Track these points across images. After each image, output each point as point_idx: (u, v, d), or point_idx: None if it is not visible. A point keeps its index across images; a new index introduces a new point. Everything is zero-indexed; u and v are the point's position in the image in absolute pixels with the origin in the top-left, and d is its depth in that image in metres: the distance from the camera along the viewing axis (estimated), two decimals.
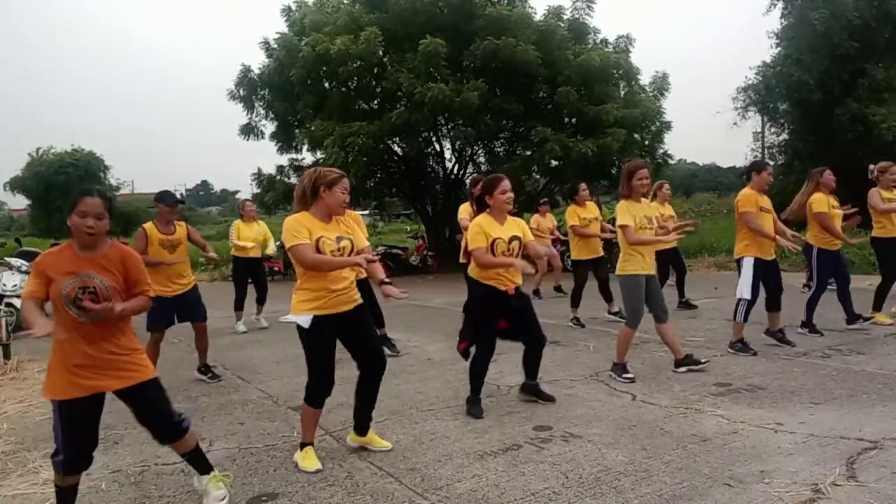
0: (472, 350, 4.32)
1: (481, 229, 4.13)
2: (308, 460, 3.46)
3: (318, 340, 3.40)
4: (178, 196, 5.72)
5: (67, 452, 2.68)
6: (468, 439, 3.79)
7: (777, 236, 5.56)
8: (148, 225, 5.32)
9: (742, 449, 3.44)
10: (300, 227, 3.35)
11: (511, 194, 4.22)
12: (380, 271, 3.58)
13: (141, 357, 2.87)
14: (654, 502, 2.88)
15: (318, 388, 3.45)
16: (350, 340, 3.55)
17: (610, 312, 7.76)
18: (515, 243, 4.19)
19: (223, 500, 3.01)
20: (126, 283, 2.79)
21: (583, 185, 7.85)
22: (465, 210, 6.48)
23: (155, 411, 2.87)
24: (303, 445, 3.53)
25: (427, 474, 3.30)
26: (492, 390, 4.72)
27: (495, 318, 4.24)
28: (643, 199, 5.10)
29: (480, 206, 4.33)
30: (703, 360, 5.13)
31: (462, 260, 6.37)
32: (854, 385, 4.55)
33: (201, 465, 3.07)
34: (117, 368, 2.74)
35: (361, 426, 3.70)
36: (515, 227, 4.28)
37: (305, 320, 3.37)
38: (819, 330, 6.22)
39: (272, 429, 4.18)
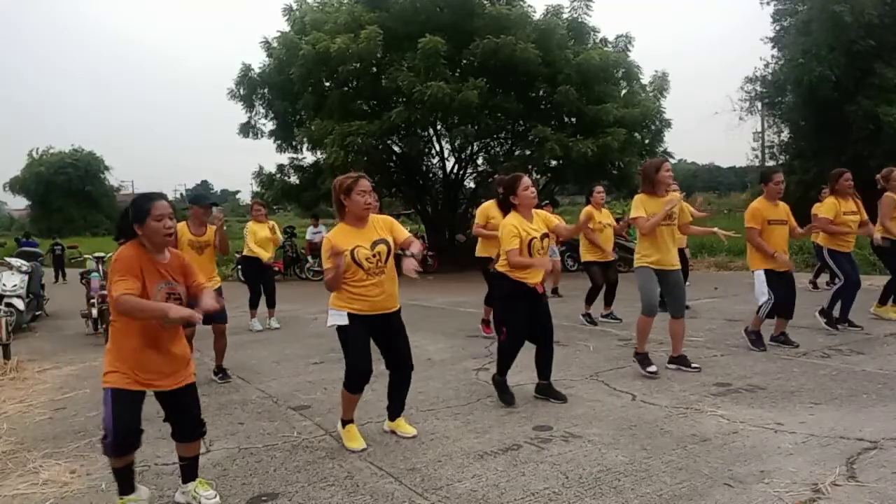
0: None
1: (516, 230, 4.23)
2: (352, 440, 3.67)
3: (352, 333, 3.58)
4: (211, 197, 5.85)
5: (117, 436, 2.79)
6: (468, 439, 3.79)
7: (777, 254, 5.50)
8: (181, 225, 5.38)
9: (742, 449, 3.44)
10: (328, 247, 3.50)
11: (533, 188, 4.36)
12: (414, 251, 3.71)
13: (189, 359, 3.07)
14: (654, 502, 2.88)
15: (354, 377, 3.63)
16: (381, 343, 3.75)
17: (602, 315, 7.79)
18: (546, 241, 4.37)
19: (214, 498, 3.06)
20: (188, 285, 2.98)
21: (598, 188, 7.85)
22: (490, 207, 6.44)
23: (192, 411, 3.05)
24: (344, 423, 3.73)
25: (427, 474, 3.30)
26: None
27: (525, 313, 4.36)
28: (668, 193, 5.13)
29: (506, 208, 4.44)
30: (694, 365, 5.16)
31: (479, 254, 6.39)
32: (854, 385, 4.54)
33: (192, 472, 3.13)
34: (174, 371, 2.92)
35: (391, 413, 3.95)
36: (541, 223, 4.42)
37: (342, 318, 3.57)
38: (836, 326, 6.25)
39: (272, 429, 4.18)
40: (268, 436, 4.04)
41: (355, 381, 3.64)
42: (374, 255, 3.55)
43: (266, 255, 8.08)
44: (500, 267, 4.41)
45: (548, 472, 3.26)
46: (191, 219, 5.45)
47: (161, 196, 2.88)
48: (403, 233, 3.75)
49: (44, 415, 4.79)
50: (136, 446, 2.90)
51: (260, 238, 8.13)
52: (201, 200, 5.53)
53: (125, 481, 2.94)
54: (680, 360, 5.20)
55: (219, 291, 5.47)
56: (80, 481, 3.41)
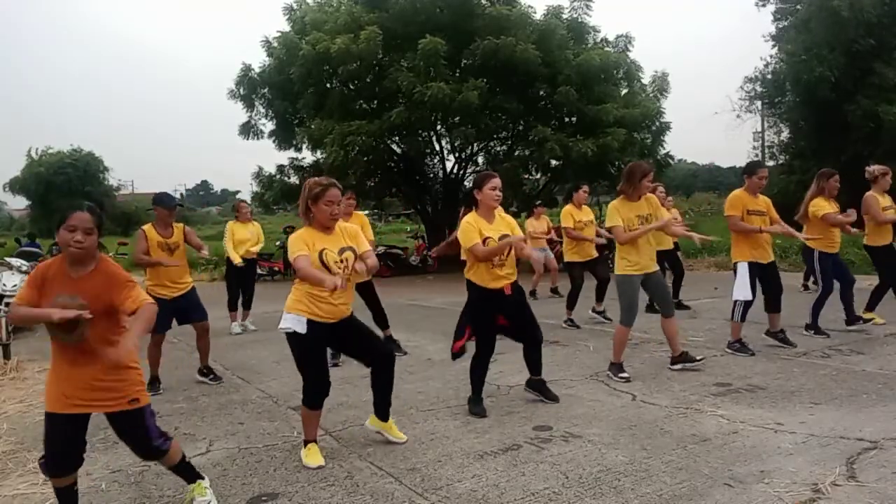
0: (467, 348, 4.36)
1: (473, 227, 4.15)
2: (311, 457, 3.50)
3: (310, 344, 3.46)
4: (177, 197, 5.75)
5: (48, 457, 2.77)
6: (468, 439, 3.79)
7: (764, 228, 5.52)
8: (147, 227, 5.32)
9: (742, 449, 3.44)
10: (300, 242, 3.44)
11: (499, 192, 4.22)
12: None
13: (130, 379, 2.80)
14: (654, 502, 2.88)
15: (314, 391, 3.51)
16: (348, 347, 3.67)
17: (594, 311, 7.77)
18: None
19: None
20: (111, 306, 2.70)
21: (585, 188, 7.81)
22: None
23: (133, 436, 2.89)
24: (306, 443, 3.59)
25: (427, 474, 3.30)
26: (492, 390, 4.71)
27: (494, 318, 4.24)
28: (644, 199, 5.06)
29: (469, 204, 4.32)
30: (698, 358, 5.16)
31: (464, 257, 6.38)
32: (854, 385, 4.54)
33: (188, 475, 3.08)
34: (102, 391, 2.74)
35: (380, 413, 3.80)
36: (504, 225, 4.26)
37: (301, 324, 3.42)
38: (825, 331, 6.19)
39: (272, 429, 4.18)
40: (268, 436, 4.04)
41: (315, 394, 3.49)
42: (341, 261, 3.46)
43: (237, 258, 7.89)
44: (468, 274, 4.26)
45: (548, 472, 3.26)
46: (156, 220, 5.34)
47: (82, 206, 2.69)
48: (365, 244, 3.67)
49: (43, 415, 4.78)
50: (71, 469, 2.82)
51: (239, 238, 8.04)
52: (166, 201, 5.39)
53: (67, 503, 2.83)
54: (682, 358, 5.18)
55: (192, 292, 5.40)
56: (80, 481, 3.38)
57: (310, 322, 3.43)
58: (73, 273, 2.70)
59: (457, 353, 4.37)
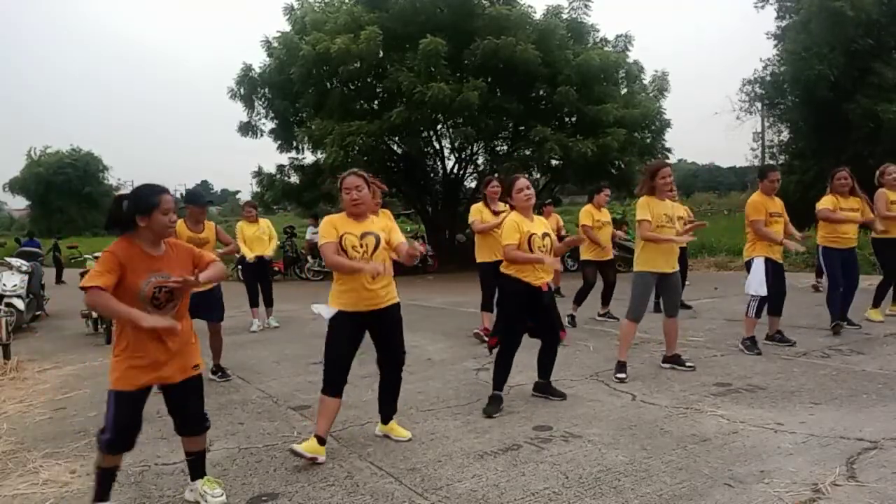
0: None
1: (516, 226, 4.27)
2: (311, 448, 3.47)
3: (339, 332, 3.55)
4: (208, 196, 6.00)
5: (114, 433, 2.82)
6: (468, 439, 3.79)
7: (784, 240, 5.63)
8: (179, 223, 5.42)
9: (742, 449, 3.44)
10: (329, 227, 3.58)
11: (528, 191, 4.35)
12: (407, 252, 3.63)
13: (194, 349, 3.03)
14: (654, 502, 2.88)
15: (329, 375, 3.58)
16: (375, 336, 3.73)
17: (599, 314, 7.82)
18: (548, 239, 4.33)
19: (221, 496, 3.04)
20: (193, 272, 2.93)
21: (606, 190, 7.86)
22: (475, 211, 6.47)
23: (192, 405, 3.02)
24: (318, 439, 3.59)
25: (427, 474, 3.30)
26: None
27: (525, 313, 4.34)
28: (668, 198, 5.13)
29: (511, 208, 4.50)
30: (689, 363, 5.18)
31: (480, 260, 6.43)
32: (854, 385, 4.55)
33: (199, 469, 3.12)
34: (175, 361, 2.90)
35: (383, 416, 3.91)
36: (543, 225, 4.44)
37: (329, 313, 3.55)
38: (839, 332, 6.21)
39: (272, 429, 4.18)
40: (268, 436, 4.04)
41: (329, 379, 3.57)
42: (360, 245, 3.52)
43: (250, 253, 8.04)
44: (504, 268, 4.39)
45: (548, 472, 3.26)
46: (187, 217, 5.52)
47: (166, 189, 2.89)
48: (397, 236, 3.70)
49: (44, 415, 4.79)
50: (130, 446, 2.89)
51: (247, 236, 8.14)
52: (198, 200, 5.65)
53: (104, 486, 2.90)
54: (674, 360, 5.24)
55: (216, 288, 5.46)
56: (80, 481, 3.41)
57: (340, 313, 3.54)
58: (153, 252, 2.84)
59: (493, 347, 4.49)
